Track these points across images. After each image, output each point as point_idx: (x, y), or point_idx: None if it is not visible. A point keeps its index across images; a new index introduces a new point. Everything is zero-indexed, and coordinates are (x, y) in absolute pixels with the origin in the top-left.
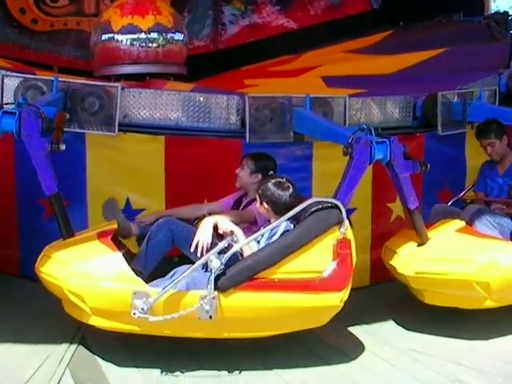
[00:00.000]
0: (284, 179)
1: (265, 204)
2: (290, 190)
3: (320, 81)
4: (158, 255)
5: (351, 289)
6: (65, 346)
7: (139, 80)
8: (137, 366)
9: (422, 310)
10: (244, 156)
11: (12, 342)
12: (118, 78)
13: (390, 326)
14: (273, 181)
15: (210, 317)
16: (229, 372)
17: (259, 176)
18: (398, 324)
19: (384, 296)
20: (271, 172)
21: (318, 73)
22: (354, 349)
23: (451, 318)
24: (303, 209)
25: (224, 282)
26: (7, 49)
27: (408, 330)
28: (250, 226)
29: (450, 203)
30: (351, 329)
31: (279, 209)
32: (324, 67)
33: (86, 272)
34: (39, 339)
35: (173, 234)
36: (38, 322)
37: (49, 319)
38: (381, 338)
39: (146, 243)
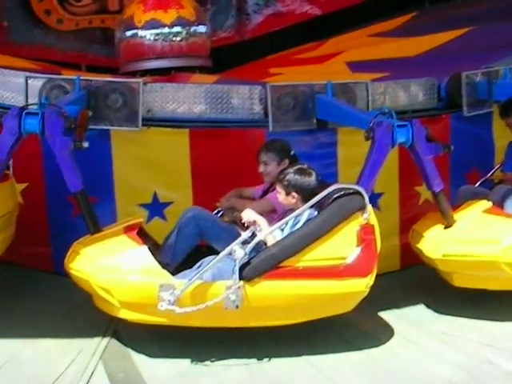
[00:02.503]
0: (304, 165)
1: (294, 194)
2: (314, 174)
3: (344, 66)
4: (186, 248)
5: (383, 273)
6: (97, 339)
7: (164, 74)
8: (167, 357)
9: (453, 293)
10: (259, 153)
11: (46, 337)
12: (144, 73)
13: (420, 309)
14: (294, 169)
15: (237, 306)
16: (258, 360)
17: (286, 161)
18: (429, 307)
19: (415, 280)
20: (292, 151)
21: (342, 58)
22: (385, 334)
23: (482, 300)
24: (325, 196)
25: (249, 272)
26: (35, 50)
27: (439, 313)
28: (270, 214)
29: (477, 184)
30: (382, 314)
31: (309, 195)
32: (348, 52)
33: (113, 266)
34: (73, 334)
35: (201, 229)
36: (71, 317)
37: (82, 314)
38: (412, 322)
39: (175, 236)
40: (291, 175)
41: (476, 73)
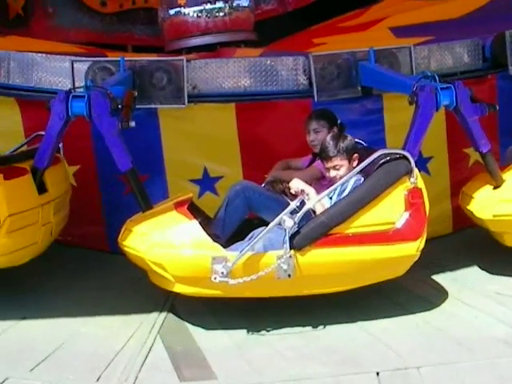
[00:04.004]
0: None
1: (354, 156)
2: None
3: (388, 32)
4: (235, 221)
5: (435, 237)
6: (155, 314)
7: (210, 50)
8: (224, 328)
9: (505, 254)
10: (308, 122)
11: (105, 315)
12: (189, 50)
13: (474, 271)
14: (338, 136)
15: (289, 275)
16: (313, 327)
17: (335, 129)
18: (482, 269)
19: (467, 242)
20: (339, 120)
21: (385, 24)
22: (438, 296)
23: None
24: (372, 161)
25: (299, 241)
26: (81, 34)
27: (492, 274)
28: (318, 183)
29: None
30: (435, 277)
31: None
32: (392, 18)
33: (166, 242)
34: (130, 309)
35: (249, 201)
36: (128, 293)
37: (138, 290)
38: (465, 283)
39: (224, 209)
40: (343, 142)
41: None
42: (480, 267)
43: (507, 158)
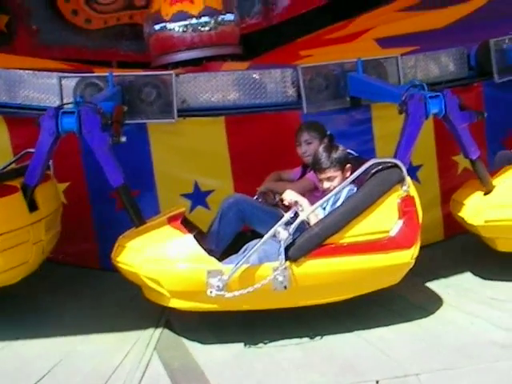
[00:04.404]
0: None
1: (347, 166)
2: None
3: (374, 43)
4: (229, 234)
5: (427, 244)
6: (150, 330)
7: (196, 65)
8: (221, 342)
9: (498, 259)
10: (300, 134)
11: (100, 332)
12: (175, 65)
13: (467, 277)
14: (330, 147)
15: (285, 287)
16: (310, 338)
17: (326, 140)
18: (475, 275)
19: (459, 249)
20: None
21: (371, 35)
22: (434, 303)
23: None
24: (364, 171)
25: (294, 252)
26: (66, 51)
27: (486, 279)
28: (311, 194)
29: None
30: (429, 284)
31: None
32: (376, 29)
33: (160, 256)
34: (126, 327)
35: (243, 214)
36: (123, 310)
37: (132, 307)
38: (459, 290)
39: (218, 222)
40: (335, 153)
41: (504, 39)
42: (473, 273)
43: (496, 163)
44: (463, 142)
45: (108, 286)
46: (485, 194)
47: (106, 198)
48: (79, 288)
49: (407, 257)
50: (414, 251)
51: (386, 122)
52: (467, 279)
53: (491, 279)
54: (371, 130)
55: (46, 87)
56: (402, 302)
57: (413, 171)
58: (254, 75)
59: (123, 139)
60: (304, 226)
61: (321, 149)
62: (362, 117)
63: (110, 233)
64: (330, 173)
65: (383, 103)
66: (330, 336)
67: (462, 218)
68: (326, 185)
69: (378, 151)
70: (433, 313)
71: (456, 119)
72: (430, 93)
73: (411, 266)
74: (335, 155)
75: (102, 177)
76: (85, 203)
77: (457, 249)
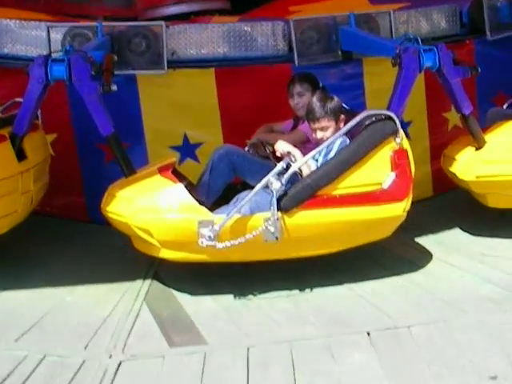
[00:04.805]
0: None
1: (342, 116)
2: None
3: None
4: (220, 185)
5: (416, 200)
6: (139, 281)
7: (183, 20)
8: (210, 294)
9: (487, 215)
10: (292, 86)
11: (89, 283)
12: (163, 20)
13: (456, 233)
14: (324, 97)
15: (277, 238)
16: (300, 291)
17: (319, 92)
18: (465, 230)
19: (448, 205)
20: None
21: None
22: (423, 258)
23: None
24: (357, 123)
25: (286, 203)
26: (50, 5)
27: (475, 235)
28: (305, 145)
29: (505, 106)
30: (418, 239)
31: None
32: None
33: (151, 206)
34: (114, 278)
35: (234, 165)
36: (111, 262)
37: (120, 259)
38: (448, 245)
39: (208, 173)
40: (330, 103)
41: None
42: (462, 229)
43: (488, 120)
44: (456, 97)
45: (95, 238)
46: (476, 150)
47: (93, 150)
48: (67, 240)
49: (399, 209)
50: (406, 204)
51: (378, 77)
52: (456, 235)
53: (480, 235)
54: (362, 85)
55: (34, 37)
56: (392, 256)
57: (403, 127)
58: (245, 28)
59: (114, 88)
60: (296, 177)
61: (315, 98)
62: (353, 71)
63: (98, 185)
64: (324, 122)
65: (375, 58)
66: (321, 289)
67: (454, 174)
68: (319, 135)
69: (369, 106)
70: (423, 267)
71: (450, 74)
72: (424, 46)
73: (403, 219)
74: (330, 105)
75: (90, 128)
76: (73, 155)
77: (446, 205)
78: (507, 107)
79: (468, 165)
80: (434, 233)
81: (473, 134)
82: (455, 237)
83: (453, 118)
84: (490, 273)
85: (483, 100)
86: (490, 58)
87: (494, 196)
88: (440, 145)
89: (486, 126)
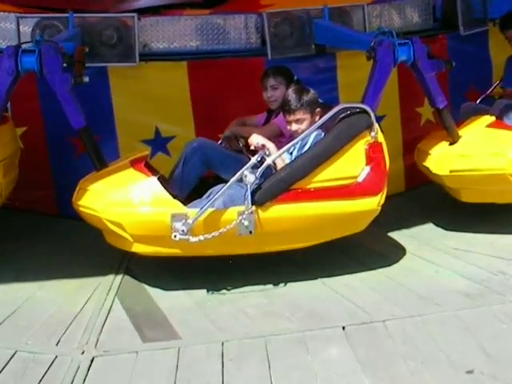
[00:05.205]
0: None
1: (317, 110)
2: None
3: None
4: (193, 179)
5: (388, 195)
6: (111, 276)
7: (154, 14)
8: (183, 289)
9: (459, 210)
10: (265, 79)
11: (59, 278)
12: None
13: (429, 227)
14: (300, 89)
15: (250, 232)
16: (274, 285)
17: (292, 85)
18: (437, 225)
19: (421, 200)
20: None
21: None
22: (396, 252)
23: (490, 215)
24: (332, 116)
25: (260, 196)
26: None
27: (447, 230)
28: (279, 138)
29: (478, 101)
30: (391, 234)
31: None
32: None
33: (124, 199)
34: (85, 273)
35: (207, 158)
36: (82, 257)
37: (92, 253)
38: (421, 240)
39: (181, 167)
40: (306, 96)
41: None
42: (435, 224)
43: (462, 114)
44: (430, 91)
45: (66, 233)
46: (450, 144)
47: (64, 144)
48: (37, 235)
49: (374, 203)
50: (380, 198)
51: (351, 71)
52: (429, 230)
53: (453, 230)
54: (335, 79)
55: (3, 29)
56: (366, 251)
57: (376, 121)
58: (218, 20)
59: (86, 79)
60: (270, 170)
61: (291, 90)
62: (326, 65)
63: (69, 179)
64: (300, 115)
65: (348, 52)
66: (295, 283)
67: (427, 168)
68: (294, 127)
69: (342, 100)
70: (397, 262)
71: (424, 67)
72: (399, 40)
73: (377, 214)
74: (306, 97)
75: (61, 122)
76: (42, 149)
77: (418, 200)
78: (480, 102)
79: (442, 159)
80: (407, 227)
81: (447, 128)
82: (428, 232)
83: (425, 112)
84: (464, 267)
85: (456, 94)
86: (462, 53)
87: (468, 191)
88: (412, 140)
89: (460, 121)
